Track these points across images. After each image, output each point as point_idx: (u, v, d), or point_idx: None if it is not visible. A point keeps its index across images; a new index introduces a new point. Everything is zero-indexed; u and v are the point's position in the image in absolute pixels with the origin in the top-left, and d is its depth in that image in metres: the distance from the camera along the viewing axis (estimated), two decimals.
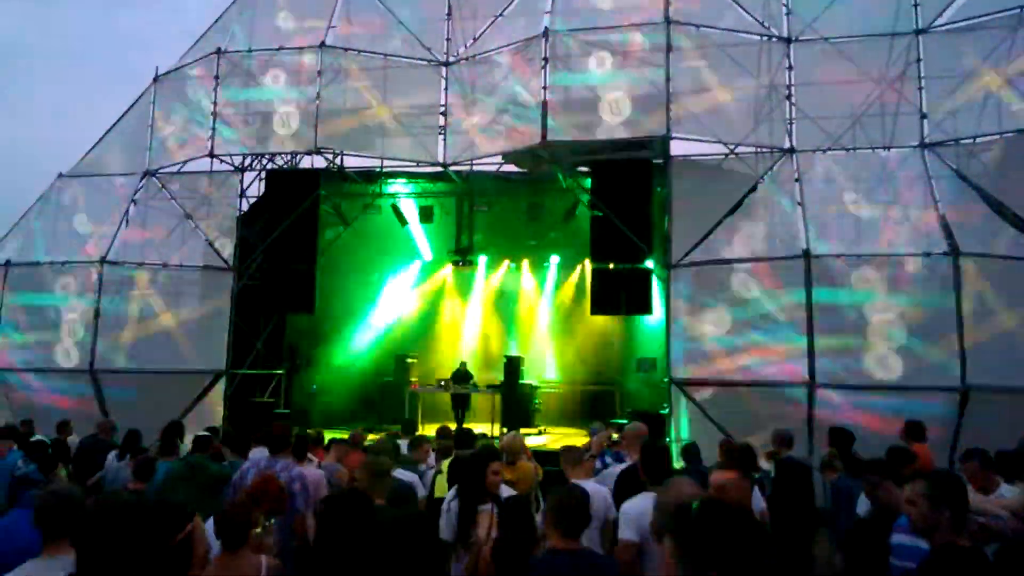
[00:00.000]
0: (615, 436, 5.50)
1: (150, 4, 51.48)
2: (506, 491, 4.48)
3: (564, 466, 5.32)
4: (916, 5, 11.21)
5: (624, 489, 4.75)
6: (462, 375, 15.10)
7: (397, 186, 15.42)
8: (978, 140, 10.82)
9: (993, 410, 8.88)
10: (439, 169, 13.22)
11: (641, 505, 3.91)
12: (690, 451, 6.88)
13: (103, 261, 12.30)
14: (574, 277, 17.00)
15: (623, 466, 5.59)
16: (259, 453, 6.61)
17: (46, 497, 3.09)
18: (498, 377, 15.60)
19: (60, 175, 13.68)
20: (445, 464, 5.85)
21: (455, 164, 12.95)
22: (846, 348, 9.99)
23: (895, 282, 10.01)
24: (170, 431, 7.62)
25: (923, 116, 11.01)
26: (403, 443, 7.29)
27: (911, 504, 2.92)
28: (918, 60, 11.09)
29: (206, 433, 7.06)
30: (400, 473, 5.58)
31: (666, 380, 11.03)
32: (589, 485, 4.46)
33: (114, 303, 12.42)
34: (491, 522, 4.15)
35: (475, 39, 13.11)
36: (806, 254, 10.19)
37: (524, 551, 3.52)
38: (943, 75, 10.96)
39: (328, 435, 8.55)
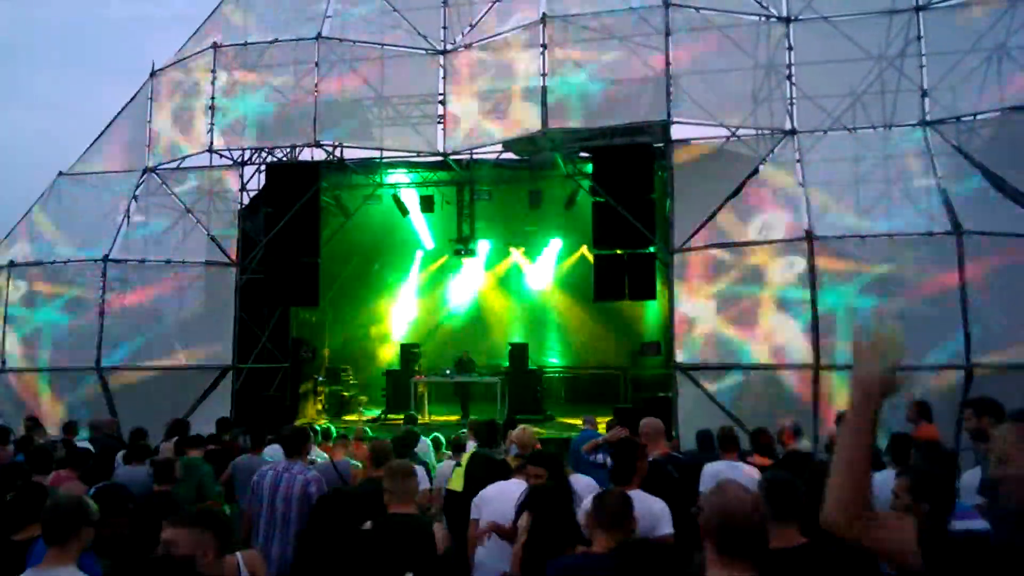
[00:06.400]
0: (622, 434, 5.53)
1: None
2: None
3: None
4: None
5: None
6: (465, 364, 15.13)
7: (397, 176, 15.40)
8: (978, 116, 10.79)
9: (998, 387, 8.91)
10: (439, 158, 13.19)
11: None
12: (703, 438, 6.91)
13: (106, 259, 12.31)
14: (577, 263, 16.97)
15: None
16: (272, 450, 6.70)
17: (48, 509, 3.11)
18: (503, 364, 15.64)
19: (60, 173, 13.66)
20: (465, 457, 5.94)
21: (455, 153, 12.93)
22: (851, 329, 10.00)
23: (899, 261, 10.00)
24: (177, 429, 7.64)
25: (924, 94, 10.95)
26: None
27: (895, 496, 3.23)
28: (918, 37, 11.01)
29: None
30: None
31: (671, 365, 11.07)
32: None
33: (118, 300, 12.44)
34: None
35: (472, 27, 13.05)
36: (808, 235, 10.18)
37: (559, 546, 3.31)
38: (943, 52, 10.88)
39: (328, 424, 8.67)
